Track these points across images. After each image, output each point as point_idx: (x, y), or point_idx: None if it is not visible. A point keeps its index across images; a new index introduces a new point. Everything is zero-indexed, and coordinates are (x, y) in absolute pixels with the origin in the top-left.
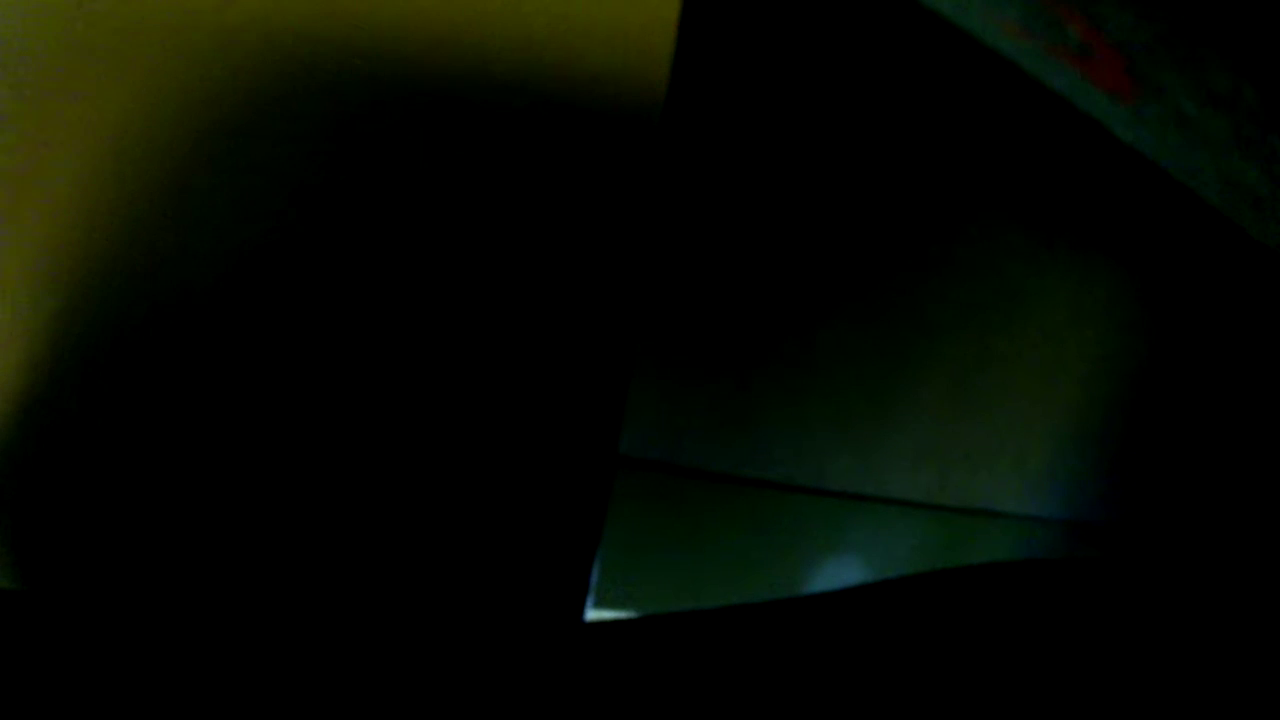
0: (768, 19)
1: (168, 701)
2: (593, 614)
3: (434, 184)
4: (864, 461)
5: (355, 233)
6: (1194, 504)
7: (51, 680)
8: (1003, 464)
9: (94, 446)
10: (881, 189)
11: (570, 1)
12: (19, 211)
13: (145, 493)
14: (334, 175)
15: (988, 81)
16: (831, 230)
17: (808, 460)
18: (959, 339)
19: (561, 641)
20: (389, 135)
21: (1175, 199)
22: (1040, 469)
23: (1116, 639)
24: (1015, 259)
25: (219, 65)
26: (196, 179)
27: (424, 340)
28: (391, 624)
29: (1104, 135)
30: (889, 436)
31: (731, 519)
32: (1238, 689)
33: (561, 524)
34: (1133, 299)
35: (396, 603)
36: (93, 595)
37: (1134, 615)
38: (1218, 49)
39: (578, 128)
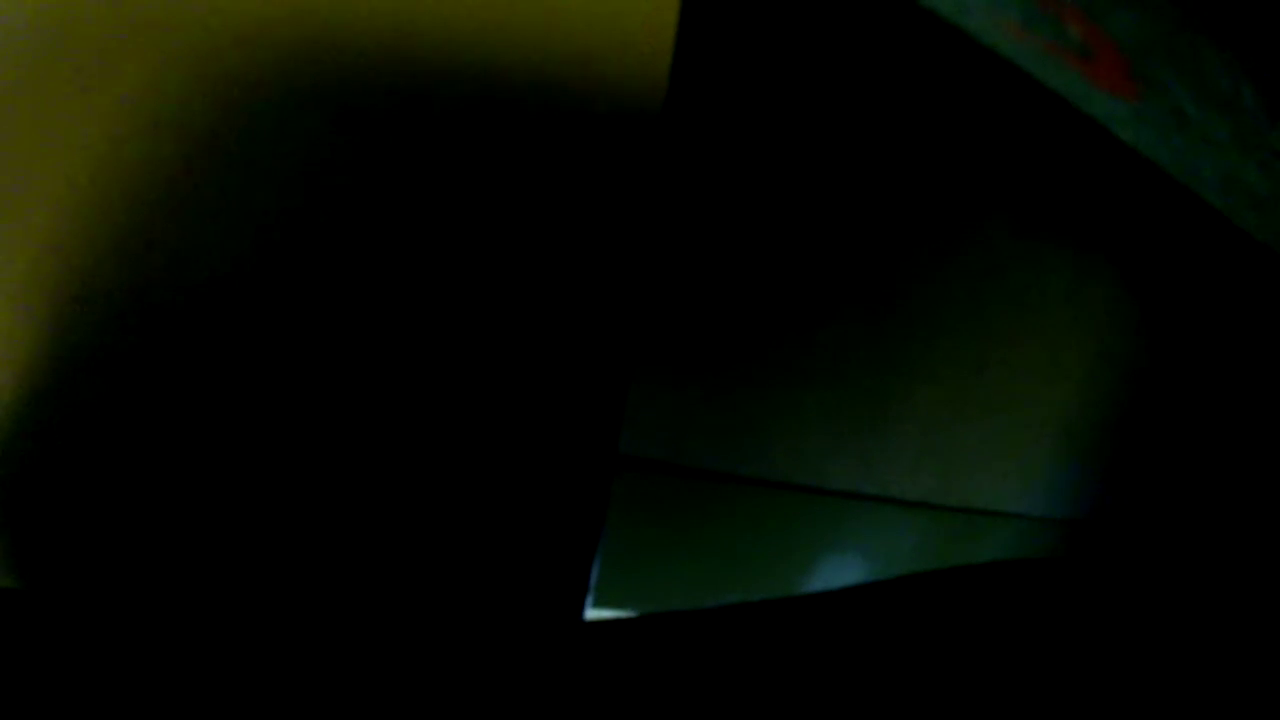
0: (767, 18)
1: (168, 701)
2: (592, 613)
3: (434, 184)
4: (864, 461)
5: (355, 232)
6: (1194, 504)
7: (51, 680)
8: (1003, 464)
9: (94, 446)
10: (881, 189)
11: (570, 1)
12: (19, 211)
13: (145, 493)
14: (334, 175)
15: (987, 81)
16: (831, 230)
17: (808, 460)
18: (959, 339)
19: (561, 640)
20: (389, 136)
21: (1176, 199)
22: (1041, 469)
23: (1112, 637)
24: (1015, 259)
25: (219, 65)
26: (196, 179)
27: (424, 339)
28: (391, 623)
29: (1104, 135)
30: (889, 436)
31: (732, 519)
32: (1229, 687)
33: (561, 523)
34: (1132, 299)
35: (396, 601)
36: (93, 595)
37: (1129, 614)
38: (1218, 49)
39: (578, 127)
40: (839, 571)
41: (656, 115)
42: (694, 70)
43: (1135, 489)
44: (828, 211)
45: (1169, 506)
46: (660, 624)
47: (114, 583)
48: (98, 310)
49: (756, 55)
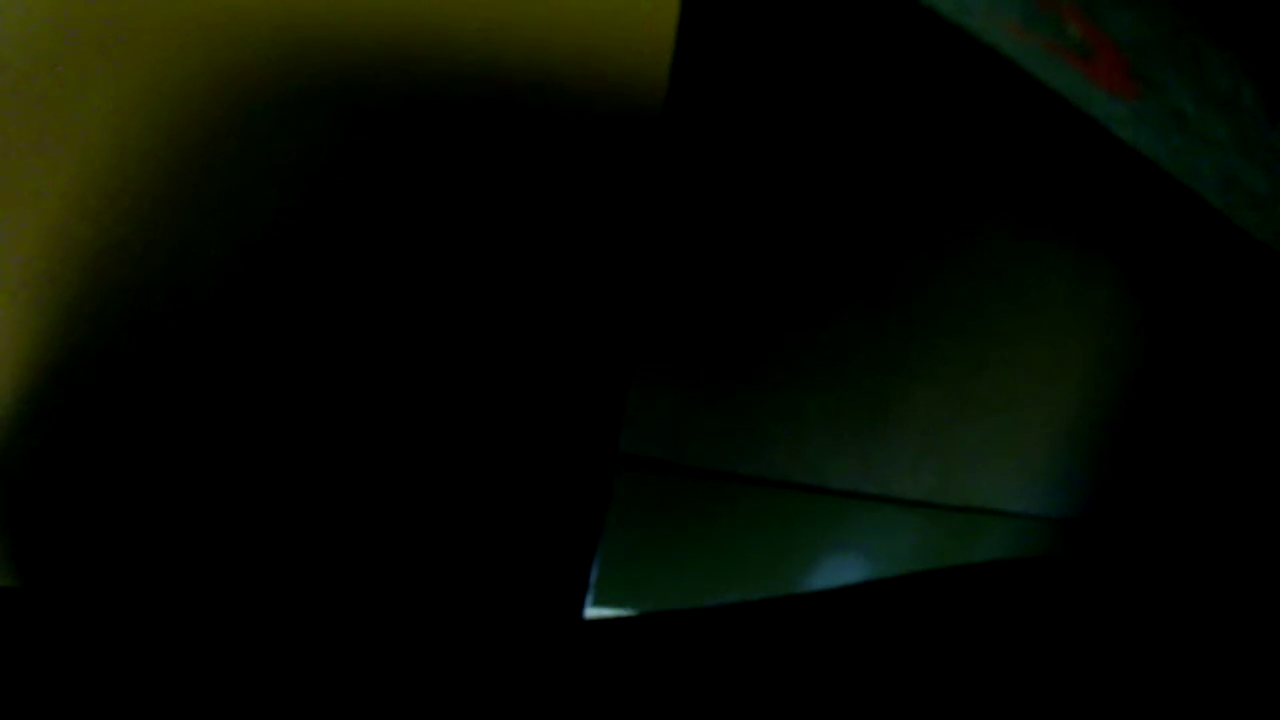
0: (767, 18)
1: (168, 701)
2: (592, 612)
3: (434, 183)
4: (864, 461)
5: (355, 231)
6: (1193, 504)
7: (51, 680)
8: (1003, 463)
9: (94, 446)
10: (881, 189)
11: (570, 1)
12: (19, 211)
13: (145, 493)
14: (333, 174)
15: (987, 81)
16: (832, 230)
17: (808, 459)
18: (959, 339)
19: (560, 639)
20: (388, 136)
21: (1176, 199)
22: (1041, 469)
23: (1111, 637)
24: (1015, 259)
25: (219, 65)
26: (197, 178)
27: (424, 339)
28: (391, 622)
29: (1104, 135)
30: (889, 436)
31: (732, 518)
32: (1228, 687)
33: (562, 522)
34: (1133, 299)
35: (396, 601)
36: (93, 595)
37: (1128, 614)
38: (1218, 49)
39: (578, 127)
40: (839, 571)
41: (656, 115)
42: (694, 70)
43: (1135, 489)
44: (828, 212)
45: (1169, 506)
46: (660, 623)
47: (114, 583)
48: (98, 310)
49: (756, 55)
